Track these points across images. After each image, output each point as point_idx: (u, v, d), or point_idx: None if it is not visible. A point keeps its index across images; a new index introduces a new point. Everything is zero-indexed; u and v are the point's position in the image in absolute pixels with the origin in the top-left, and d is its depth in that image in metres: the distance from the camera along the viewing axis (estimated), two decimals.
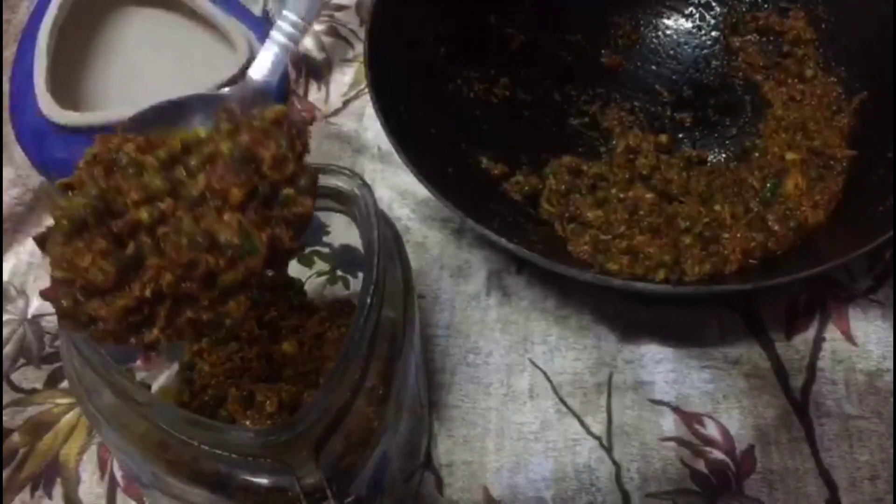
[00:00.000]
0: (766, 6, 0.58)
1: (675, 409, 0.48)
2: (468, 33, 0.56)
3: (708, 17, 0.59)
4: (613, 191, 0.53)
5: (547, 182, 0.54)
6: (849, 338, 0.49)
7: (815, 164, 0.52)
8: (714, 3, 0.59)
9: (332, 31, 0.68)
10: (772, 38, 0.58)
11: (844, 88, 0.54)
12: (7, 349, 0.53)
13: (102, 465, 0.48)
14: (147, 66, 0.54)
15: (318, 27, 0.67)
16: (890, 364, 0.48)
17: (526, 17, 0.57)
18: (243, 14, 0.52)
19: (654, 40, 0.60)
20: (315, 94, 0.65)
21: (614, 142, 0.57)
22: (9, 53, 0.54)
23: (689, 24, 0.60)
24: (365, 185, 0.38)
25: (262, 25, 0.53)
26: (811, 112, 0.54)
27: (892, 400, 0.47)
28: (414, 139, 0.48)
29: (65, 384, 0.51)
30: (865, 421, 0.46)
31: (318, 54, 0.66)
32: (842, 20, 0.55)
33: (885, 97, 0.50)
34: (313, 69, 0.66)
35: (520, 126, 0.57)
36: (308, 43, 0.67)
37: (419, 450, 0.46)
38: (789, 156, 0.53)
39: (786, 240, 0.49)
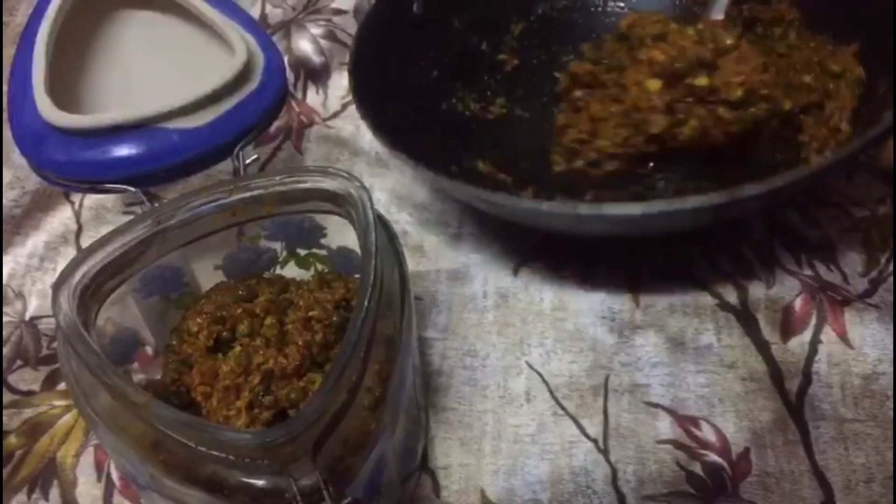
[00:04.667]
0: None
1: (671, 412, 0.48)
2: (460, 59, 0.56)
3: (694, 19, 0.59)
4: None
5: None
6: (845, 341, 0.50)
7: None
8: (695, 7, 0.60)
9: (331, 36, 0.68)
10: (757, 28, 0.58)
11: (835, 42, 0.55)
12: (4, 351, 0.53)
13: (99, 467, 0.48)
14: (145, 69, 0.54)
15: (315, 31, 0.67)
16: (885, 367, 0.48)
17: (517, 44, 0.57)
18: (241, 17, 0.52)
19: None
20: (313, 98, 0.65)
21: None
22: (7, 55, 0.54)
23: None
24: (362, 187, 0.38)
25: (259, 28, 0.53)
26: (811, 53, 0.55)
27: (887, 403, 0.47)
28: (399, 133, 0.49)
29: (62, 386, 0.51)
30: (861, 424, 0.47)
31: (316, 58, 0.67)
32: None
33: (875, 45, 0.51)
34: (311, 73, 0.66)
35: (519, 138, 0.57)
36: (307, 47, 0.67)
37: (416, 452, 0.46)
38: (806, 78, 0.54)
39: None
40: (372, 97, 0.49)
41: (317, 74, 0.66)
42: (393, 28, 0.52)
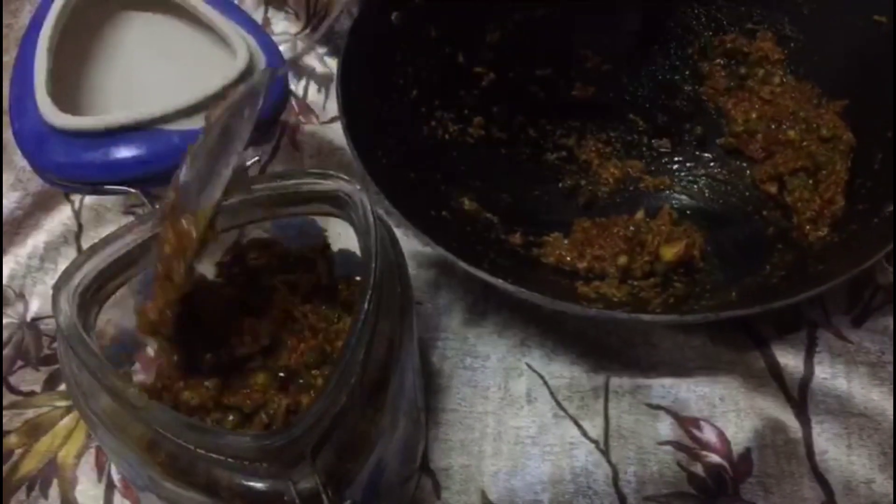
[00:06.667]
0: (732, 29, 0.57)
1: (672, 413, 0.48)
2: (438, 74, 0.55)
3: (675, 43, 0.59)
4: None
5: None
6: (841, 337, 0.50)
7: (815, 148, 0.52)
8: (679, 30, 0.58)
9: (336, 50, 0.67)
10: (740, 59, 0.57)
11: (822, 93, 0.54)
12: (5, 352, 0.53)
13: (100, 468, 0.48)
14: (147, 71, 0.54)
15: (321, 50, 0.67)
16: (889, 357, 0.48)
17: (493, 55, 0.57)
18: (243, 19, 0.52)
19: (624, 70, 0.60)
20: (314, 96, 0.65)
21: (593, 172, 0.57)
22: (10, 58, 0.54)
23: (657, 52, 0.59)
24: (363, 189, 0.38)
25: (261, 31, 0.53)
26: (794, 105, 0.54)
27: (891, 398, 0.47)
28: (394, 183, 0.47)
29: (63, 387, 0.51)
30: (866, 419, 0.47)
31: (320, 67, 0.67)
32: (809, 38, 0.55)
33: (865, 104, 0.51)
34: (313, 73, 0.66)
35: (498, 164, 0.57)
36: (312, 61, 0.67)
37: (416, 453, 0.46)
38: (791, 133, 0.54)
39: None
40: (365, 141, 0.48)
41: (320, 77, 0.66)
42: (376, 46, 0.51)
